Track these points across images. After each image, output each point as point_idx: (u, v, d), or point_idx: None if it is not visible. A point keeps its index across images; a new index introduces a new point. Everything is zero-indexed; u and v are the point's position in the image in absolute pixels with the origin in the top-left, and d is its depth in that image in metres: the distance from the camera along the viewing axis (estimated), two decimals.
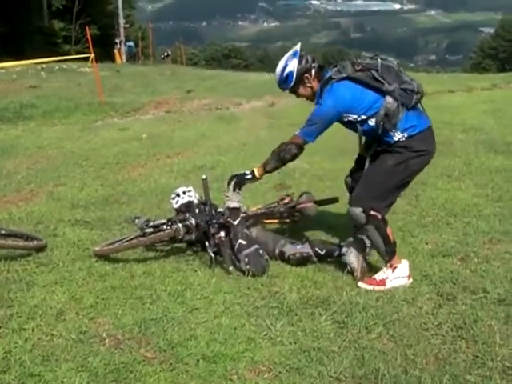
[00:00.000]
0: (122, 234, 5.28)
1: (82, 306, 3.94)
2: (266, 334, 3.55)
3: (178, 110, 14.38)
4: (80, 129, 11.71)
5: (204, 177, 4.67)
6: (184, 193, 5.10)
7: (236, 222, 4.55)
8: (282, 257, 4.55)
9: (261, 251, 4.43)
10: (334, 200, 5.45)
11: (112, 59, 33.97)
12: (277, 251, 4.58)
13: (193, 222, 4.61)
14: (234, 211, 4.60)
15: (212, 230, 4.50)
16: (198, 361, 3.29)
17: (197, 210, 4.68)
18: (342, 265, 4.43)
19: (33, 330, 3.60)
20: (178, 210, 5.07)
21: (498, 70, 47.02)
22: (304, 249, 4.48)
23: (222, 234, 4.45)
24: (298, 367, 3.24)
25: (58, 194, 6.71)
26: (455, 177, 7.02)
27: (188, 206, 4.99)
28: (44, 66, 22.99)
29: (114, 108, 14.45)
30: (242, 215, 4.70)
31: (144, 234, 4.83)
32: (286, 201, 5.11)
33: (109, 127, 11.86)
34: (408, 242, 4.97)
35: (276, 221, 5.23)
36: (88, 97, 15.97)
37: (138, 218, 5.31)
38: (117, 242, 4.84)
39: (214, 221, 4.56)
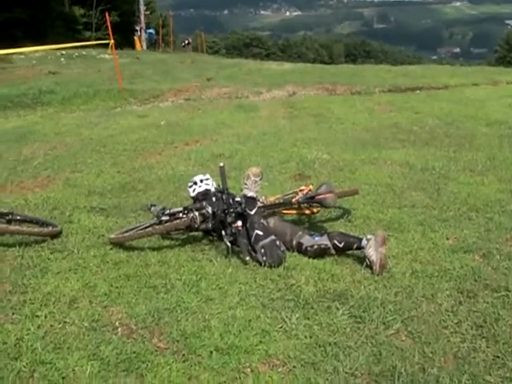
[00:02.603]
0: (137, 221, 5.23)
1: (95, 293, 3.90)
2: (281, 327, 3.48)
3: (198, 97, 14.28)
4: (98, 115, 11.67)
5: (221, 164, 4.60)
6: (201, 181, 5.03)
7: (253, 212, 4.48)
8: (300, 248, 4.47)
9: (278, 242, 4.36)
10: (354, 192, 5.35)
11: (132, 46, 34.02)
12: (294, 242, 4.50)
13: (209, 210, 4.54)
14: (251, 201, 4.53)
15: (229, 219, 4.44)
16: (211, 352, 3.23)
17: (214, 199, 4.61)
18: (360, 258, 4.34)
19: (45, 317, 3.57)
20: (195, 199, 5.01)
21: None
22: (322, 241, 4.40)
23: (239, 223, 4.38)
24: (313, 362, 3.16)
25: (75, 181, 6.67)
26: (478, 171, 6.87)
27: (205, 194, 4.92)
28: (64, 52, 23.08)
29: (134, 95, 14.39)
30: (260, 205, 4.62)
31: (160, 222, 4.77)
32: (305, 191, 5.01)
33: (127, 114, 11.80)
34: (428, 237, 4.85)
35: (294, 212, 5.13)
36: (107, 83, 15.95)
37: (154, 205, 5.27)
38: (132, 229, 4.79)
39: (231, 210, 4.49)
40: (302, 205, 4.93)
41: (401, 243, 4.72)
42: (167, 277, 4.12)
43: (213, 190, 4.76)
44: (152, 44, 39.17)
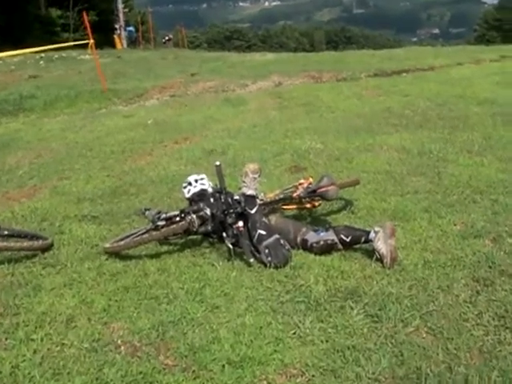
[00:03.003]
0: (132, 227, 5.01)
1: (93, 310, 3.67)
2: (294, 333, 3.27)
3: (183, 93, 14.03)
4: (83, 118, 11.42)
5: (218, 163, 4.37)
6: (196, 181, 4.82)
7: (253, 211, 4.26)
8: (305, 245, 4.25)
9: (282, 241, 4.14)
10: (356, 182, 5.15)
11: (112, 45, 33.62)
12: (299, 239, 4.29)
13: (208, 212, 4.32)
14: (251, 199, 4.32)
15: (229, 220, 4.21)
16: (223, 366, 3.02)
17: (212, 200, 4.37)
18: (369, 251, 4.14)
19: (42, 340, 3.33)
20: (191, 200, 4.81)
21: (502, 41, 46.22)
22: (328, 236, 4.19)
23: (240, 223, 4.16)
24: (333, 369, 2.96)
25: (63, 188, 6.43)
26: (476, 152, 6.69)
27: (201, 194, 4.72)
28: (43, 55, 22.69)
29: (117, 95, 14.11)
30: (260, 202, 4.40)
31: (156, 228, 4.55)
32: (305, 184, 4.79)
33: (113, 115, 11.55)
34: (436, 224, 4.66)
35: (295, 206, 4.91)
36: (89, 85, 15.63)
37: (149, 209, 5.02)
38: (127, 237, 4.57)
39: (231, 210, 4.26)
40: (304, 199, 4.71)
41: (408, 232, 4.53)
42: (168, 286, 3.90)
43: (209, 190, 4.52)
44: (132, 42, 38.77)
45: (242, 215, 4.26)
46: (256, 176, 4.42)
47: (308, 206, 4.90)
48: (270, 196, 4.84)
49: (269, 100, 11.91)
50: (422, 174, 6.00)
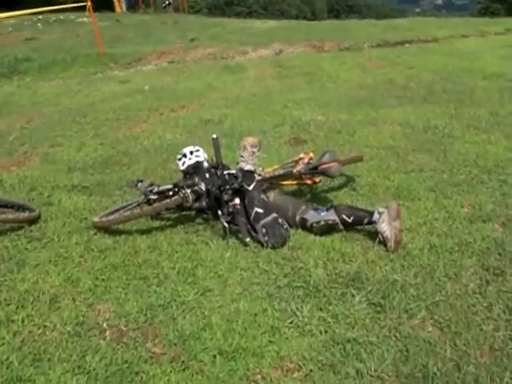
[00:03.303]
0: (123, 200, 4.80)
1: (78, 289, 3.46)
2: (291, 322, 3.06)
3: (182, 59, 13.70)
4: (78, 82, 11.13)
5: (214, 136, 4.11)
6: (191, 153, 4.58)
7: (251, 188, 4.03)
8: (304, 225, 4.03)
9: (280, 220, 3.92)
10: (359, 158, 4.92)
11: (111, 8, 32.96)
12: (297, 218, 4.06)
13: (203, 187, 4.08)
14: (249, 175, 4.09)
15: (225, 197, 3.98)
16: (214, 357, 2.82)
17: (207, 174, 4.13)
18: (371, 233, 3.92)
19: (23, 322, 3.13)
20: (185, 172, 4.57)
21: (507, 14, 45.51)
22: (329, 216, 3.96)
23: (237, 200, 3.93)
24: (332, 363, 2.76)
25: (54, 156, 6.19)
26: (483, 128, 6.43)
27: (196, 167, 4.48)
28: (40, 17, 22.25)
29: (115, 59, 13.78)
30: (258, 178, 4.17)
31: (148, 202, 4.32)
32: (306, 159, 4.54)
33: (109, 80, 11.24)
34: (442, 205, 4.43)
35: (294, 182, 4.68)
36: (87, 48, 15.29)
37: (141, 181, 4.76)
38: (118, 210, 4.36)
39: (227, 186, 4.02)
40: (304, 176, 4.46)
41: (413, 213, 4.30)
42: (159, 265, 3.68)
43: (205, 164, 4.26)
44: (132, 5, 38.04)
45: (239, 192, 4.04)
46: (255, 150, 4.18)
47: (308, 182, 4.65)
48: (269, 171, 4.59)
49: (269, 68, 11.59)
50: (428, 151, 5.75)
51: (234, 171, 4.25)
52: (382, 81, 9.58)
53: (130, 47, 15.86)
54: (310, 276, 3.46)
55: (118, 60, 13.69)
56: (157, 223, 4.36)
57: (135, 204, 4.38)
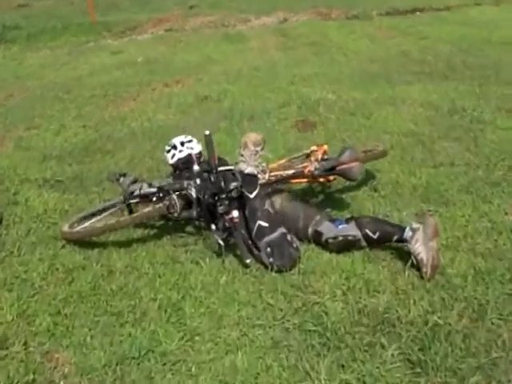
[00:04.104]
0: (101, 199, 4.06)
1: (34, 329, 2.74)
2: None
3: (180, 28, 12.81)
4: (67, 53, 10.33)
5: (207, 132, 3.29)
6: (182, 144, 3.88)
7: (253, 195, 3.26)
8: (318, 239, 3.28)
9: (289, 237, 3.17)
10: (383, 154, 4.16)
11: None
12: (310, 231, 3.31)
13: (193, 193, 3.32)
14: (250, 179, 3.31)
15: (221, 209, 3.21)
16: None
17: (198, 181, 3.34)
18: (401, 253, 3.16)
19: None
20: (175, 167, 3.87)
21: None
22: (348, 230, 3.20)
23: (235, 213, 3.16)
24: None
25: (29, 141, 5.45)
26: None
27: (187, 161, 3.75)
28: None
29: (108, 28, 12.90)
30: (262, 181, 3.40)
31: (128, 206, 3.58)
32: (319, 153, 3.76)
33: (100, 50, 10.43)
34: (482, 212, 3.65)
35: (304, 180, 3.89)
36: (80, 17, 14.40)
37: (124, 175, 4.01)
38: (92, 215, 3.63)
39: (223, 196, 3.25)
40: (318, 177, 3.67)
41: (448, 223, 3.54)
42: (137, 295, 2.94)
43: (196, 168, 3.44)
44: None
45: (238, 200, 3.27)
46: (258, 149, 3.38)
47: (321, 179, 3.88)
48: (274, 167, 3.80)
49: (272, 38, 10.76)
50: (456, 139, 4.98)
51: (232, 167, 3.49)
52: (395, 53, 8.77)
53: (125, 15, 14.92)
54: (326, 314, 2.72)
55: (111, 28, 12.81)
56: (138, 232, 3.62)
57: (112, 208, 3.64)
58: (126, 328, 2.69)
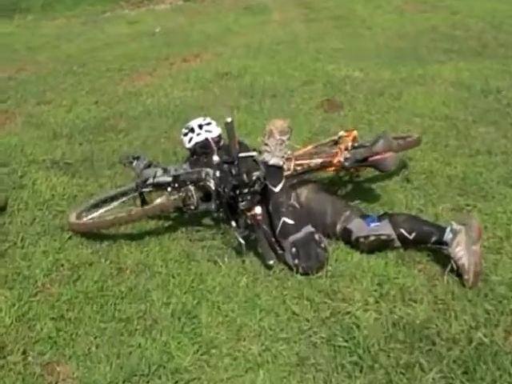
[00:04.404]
0: (113, 184, 3.80)
1: (34, 334, 2.48)
2: None
3: None
4: (83, 22, 10.05)
5: (229, 120, 2.97)
6: (200, 127, 3.63)
7: (278, 189, 2.96)
8: (347, 237, 2.99)
9: (317, 236, 2.88)
10: (417, 142, 3.84)
11: None
12: (339, 228, 3.02)
13: (212, 184, 3.02)
14: (275, 171, 3.01)
15: (242, 205, 2.91)
16: None
17: (218, 173, 3.03)
18: (438, 255, 2.85)
19: None
20: (192, 151, 3.62)
21: None
22: (382, 229, 2.90)
23: (258, 210, 2.87)
24: None
25: (39, 117, 5.19)
26: None
27: (206, 146, 3.48)
28: None
29: None
30: (287, 173, 3.10)
31: (141, 195, 3.29)
32: (349, 142, 3.44)
33: (117, 20, 10.17)
34: None
35: (331, 169, 3.57)
36: None
37: (138, 158, 3.73)
38: (102, 202, 3.37)
39: (246, 190, 2.95)
40: (347, 167, 3.36)
41: (489, 220, 3.23)
42: (148, 298, 2.67)
43: (215, 158, 3.12)
44: None
45: (261, 194, 2.98)
46: (284, 138, 3.06)
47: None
48: (300, 155, 3.48)
49: (295, 10, 10.42)
50: (493, 124, 4.66)
51: (254, 153, 3.19)
52: (424, 29, 8.41)
53: None
54: (357, 327, 2.43)
55: None
56: (151, 223, 3.35)
57: (124, 197, 3.37)
58: (135, 337, 2.43)
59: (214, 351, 2.34)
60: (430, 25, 8.65)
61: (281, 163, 3.00)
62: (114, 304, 2.64)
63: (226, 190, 2.93)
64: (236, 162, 2.96)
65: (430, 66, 6.33)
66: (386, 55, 6.91)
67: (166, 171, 3.44)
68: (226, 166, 2.99)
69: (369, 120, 4.81)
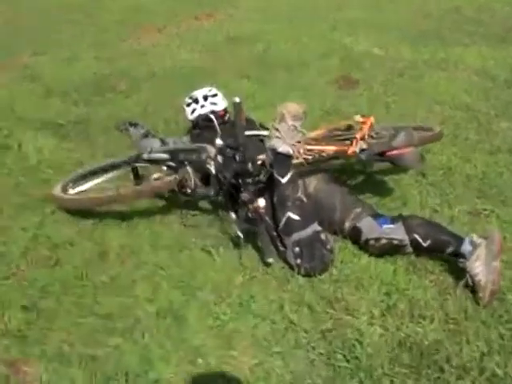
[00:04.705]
0: (106, 152, 3.51)
1: (2, 327, 2.22)
2: None
3: None
4: None
5: (237, 99, 2.65)
6: (205, 98, 3.40)
7: (285, 180, 2.67)
8: (357, 237, 2.72)
9: (323, 236, 2.61)
10: (439, 136, 3.55)
11: None
12: (347, 226, 2.75)
13: (212, 168, 2.73)
14: (283, 159, 2.71)
15: (244, 196, 2.64)
16: None
17: (219, 158, 2.74)
18: (452, 265, 2.58)
19: None
20: (195, 123, 3.38)
21: None
22: (394, 233, 2.63)
23: (262, 202, 2.58)
24: None
25: (34, 69, 4.90)
26: None
27: (209, 119, 3.21)
28: None
29: None
30: (296, 162, 2.80)
31: (134, 170, 3.01)
32: (365, 128, 3.10)
33: None
34: None
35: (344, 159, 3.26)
36: None
37: (135, 125, 3.53)
38: (91, 174, 3.08)
39: (249, 180, 2.66)
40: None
41: (508, 230, 2.94)
42: (132, 291, 2.42)
43: (219, 142, 2.81)
44: None
45: (266, 185, 2.70)
46: (297, 124, 2.75)
47: None
48: (312, 136, 3.16)
49: None
50: (497, 114, 4.37)
51: (263, 133, 2.91)
52: (448, 9, 7.99)
53: None
54: (360, 344, 2.19)
55: None
56: (143, 203, 3.08)
57: (115, 170, 3.09)
58: (113, 337, 2.18)
59: (200, 361, 2.09)
60: (454, 5, 8.22)
61: (291, 151, 2.70)
62: (94, 296, 2.39)
63: (227, 177, 2.65)
64: (241, 148, 2.67)
65: (453, 50, 5.98)
66: (408, 32, 6.55)
67: (163, 143, 3.20)
68: (229, 150, 2.70)
69: (385, 102, 4.52)
